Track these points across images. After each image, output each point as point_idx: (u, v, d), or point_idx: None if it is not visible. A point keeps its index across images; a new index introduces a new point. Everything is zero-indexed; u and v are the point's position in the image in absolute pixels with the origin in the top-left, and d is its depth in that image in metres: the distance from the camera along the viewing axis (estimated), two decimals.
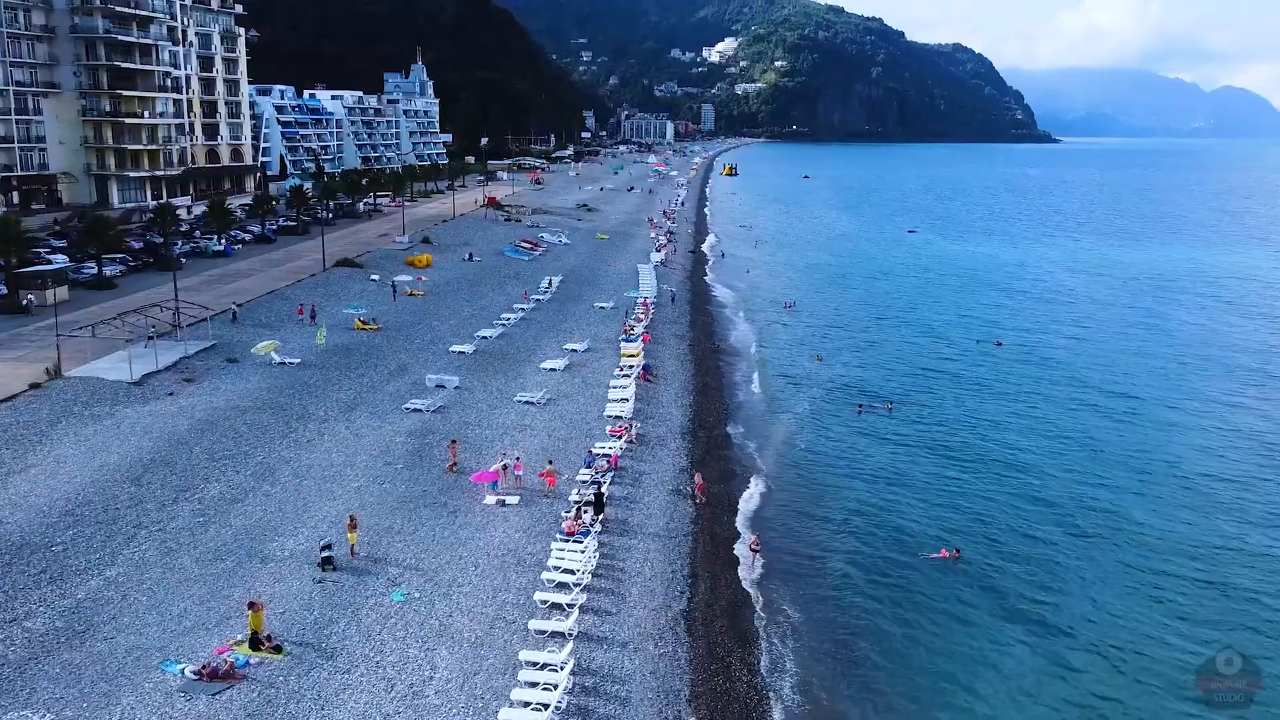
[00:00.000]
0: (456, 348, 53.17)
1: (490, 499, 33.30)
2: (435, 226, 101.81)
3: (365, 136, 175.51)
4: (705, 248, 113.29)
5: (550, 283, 75.08)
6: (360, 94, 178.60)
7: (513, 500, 33.35)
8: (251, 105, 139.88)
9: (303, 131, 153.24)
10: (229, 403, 40.67)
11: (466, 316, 62.38)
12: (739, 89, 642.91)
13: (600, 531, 31.12)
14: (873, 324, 73.13)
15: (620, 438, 40.10)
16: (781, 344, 65.18)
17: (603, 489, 33.86)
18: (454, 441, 36.98)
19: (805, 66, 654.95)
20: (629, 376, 48.95)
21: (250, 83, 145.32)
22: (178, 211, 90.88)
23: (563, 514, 32.17)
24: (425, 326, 58.60)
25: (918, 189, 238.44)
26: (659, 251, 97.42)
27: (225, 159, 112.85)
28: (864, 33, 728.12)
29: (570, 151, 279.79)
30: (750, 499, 37.04)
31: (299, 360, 47.41)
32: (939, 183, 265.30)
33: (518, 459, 35.60)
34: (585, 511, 31.84)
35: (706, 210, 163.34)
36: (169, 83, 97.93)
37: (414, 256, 79.81)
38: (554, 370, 50.01)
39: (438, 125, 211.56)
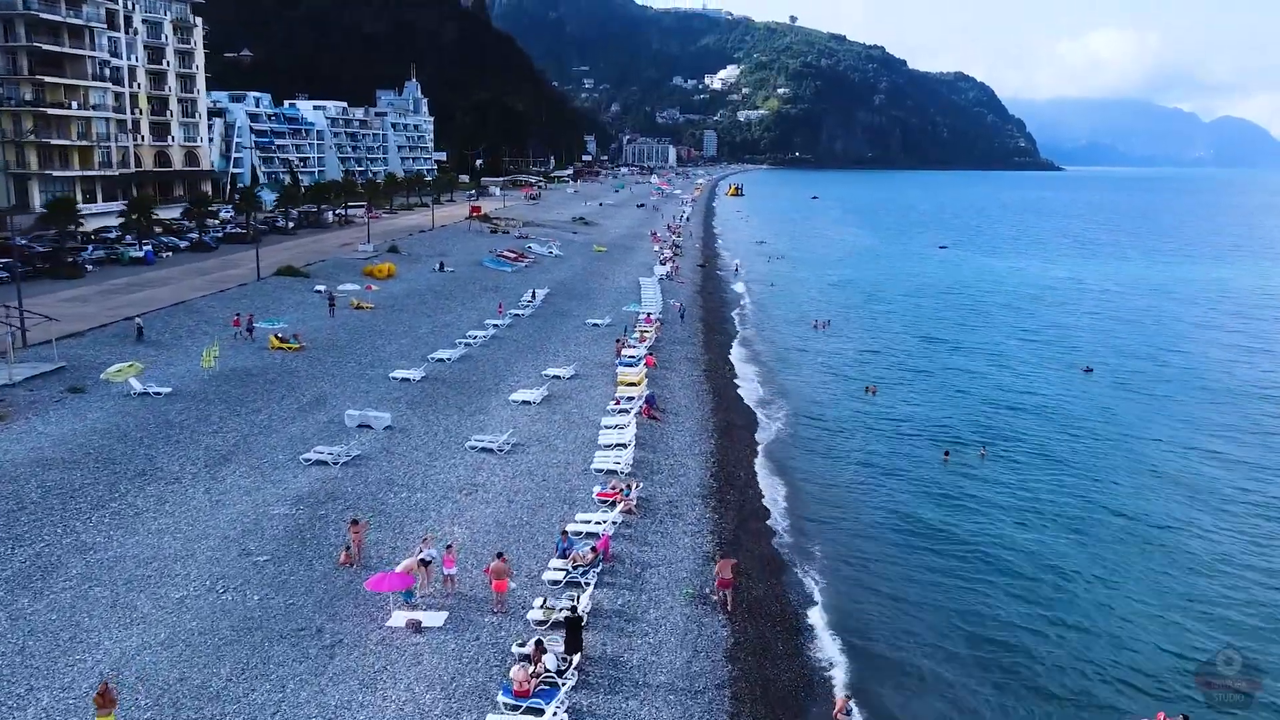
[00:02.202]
0: (401, 373, 40.37)
1: (399, 617, 20.30)
2: (410, 236, 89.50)
3: (349, 149, 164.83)
4: (718, 262, 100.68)
5: (534, 295, 62.39)
6: (344, 105, 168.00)
7: (434, 621, 20.32)
8: (223, 112, 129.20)
9: (279, 141, 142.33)
10: (33, 453, 27.61)
11: (423, 334, 49.52)
12: (741, 115, 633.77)
13: (576, 684, 18.07)
14: (922, 348, 60.24)
15: (614, 504, 27.14)
16: (819, 371, 52.22)
17: (581, 603, 20.78)
18: (356, 521, 23.94)
19: (808, 94, 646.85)
20: (628, 412, 36.12)
21: (226, 90, 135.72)
22: (96, 215, 78.79)
23: (514, 648, 19.15)
24: (366, 346, 45.71)
25: (933, 209, 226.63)
26: (664, 265, 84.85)
27: (177, 163, 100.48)
28: (866, 60, 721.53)
29: (570, 171, 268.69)
30: (817, 611, 23.76)
31: (169, 389, 34.40)
32: (953, 204, 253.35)
33: (449, 547, 22.56)
34: (547, 651, 18.75)
35: (715, 225, 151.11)
36: (107, 72, 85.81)
37: (373, 266, 67.23)
38: (527, 404, 37.23)
39: (431, 142, 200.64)
